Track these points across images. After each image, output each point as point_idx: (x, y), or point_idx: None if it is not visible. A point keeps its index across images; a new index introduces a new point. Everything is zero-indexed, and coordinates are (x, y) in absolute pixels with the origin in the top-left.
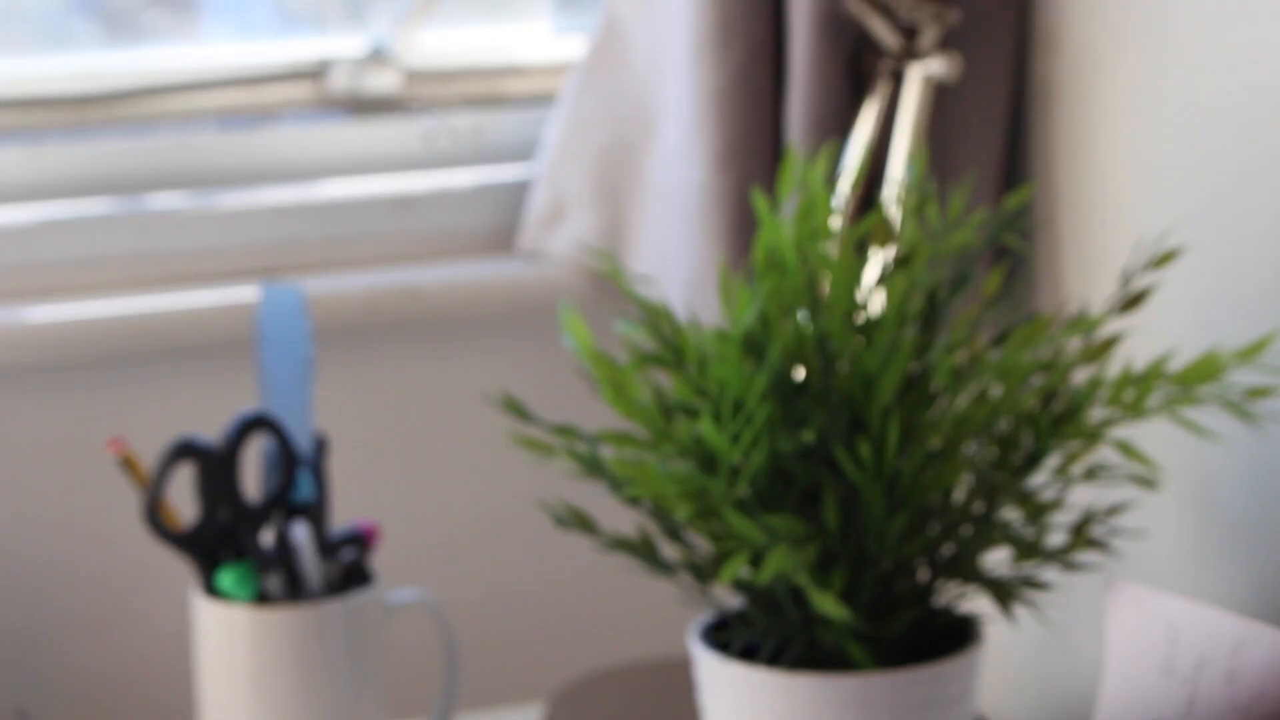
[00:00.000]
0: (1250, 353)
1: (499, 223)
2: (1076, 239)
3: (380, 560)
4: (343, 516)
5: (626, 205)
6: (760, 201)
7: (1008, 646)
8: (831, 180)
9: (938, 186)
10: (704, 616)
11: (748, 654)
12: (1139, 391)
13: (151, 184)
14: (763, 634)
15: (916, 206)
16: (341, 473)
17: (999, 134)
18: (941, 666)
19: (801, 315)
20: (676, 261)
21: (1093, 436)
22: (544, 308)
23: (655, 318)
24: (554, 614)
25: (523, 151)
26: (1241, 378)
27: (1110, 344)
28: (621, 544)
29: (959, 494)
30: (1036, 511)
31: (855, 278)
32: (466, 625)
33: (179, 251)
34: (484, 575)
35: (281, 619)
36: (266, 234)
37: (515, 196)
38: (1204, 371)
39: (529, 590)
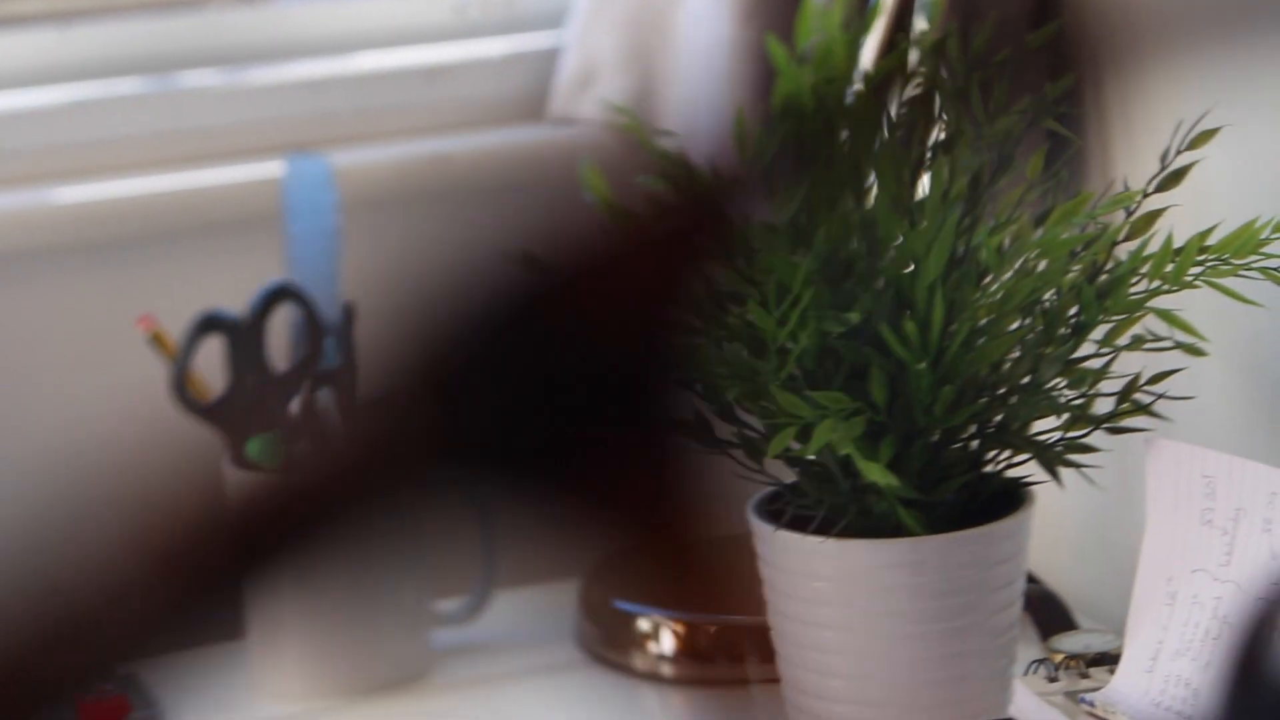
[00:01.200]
0: (1245, 245)
1: (531, 91)
2: (1126, 125)
3: None
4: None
5: (657, 67)
6: (775, 48)
7: (1060, 509)
8: (854, 27)
9: (961, 27)
10: (760, 492)
11: (803, 525)
12: (1179, 264)
13: (181, 62)
14: (815, 505)
15: (935, 45)
16: (372, 342)
17: None
18: (992, 529)
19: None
20: (706, 118)
21: (1136, 307)
22: (573, 171)
23: (674, 168)
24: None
25: (554, 20)
26: None
27: (1153, 218)
28: (677, 424)
29: (1006, 366)
30: (1082, 379)
31: (900, 163)
32: (512, 509)
33: (210, 129)
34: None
35: None
36: (298, 109)
37: (546, 64)
38: (1242, 242)
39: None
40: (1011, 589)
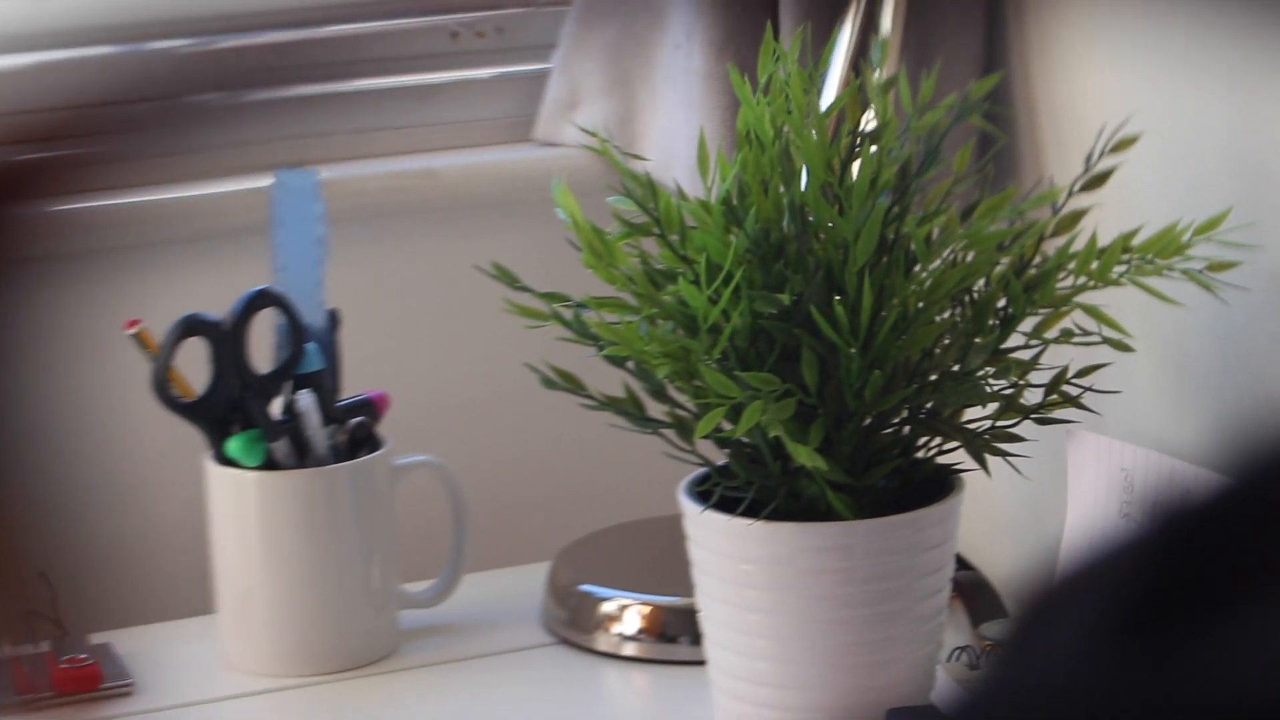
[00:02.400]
0: (1205, 228)
1: (519, 116)
2: (1055, 129)
3: (393, 433)
4: (357, 391)
5: (638, 94)
6: (736, 80)
7: (993, 496)
8: (814, 61)
9: (912, 71)
10: (692, 473)
11: (732, 507)
12: (1104, 262)
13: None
14: (745, 487)
15: (885, 86)
16: (356, 350)
17: (978, 24)
18: (920, 514)
19: (779, 186)
20: (683, 147)
21: (1062, 301)
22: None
23: (640, 188)
24: (559, 478)
25: (546, 52)
26: (1205, 251)
27: (1078, 216)
28: (609, 402)
29: (936, 354)
30: (1010, 369)
31: (829, 151)
32: (475, 490)
33: (209, 147)
34: (493, 445)
35: (288, 482)
36: (289, 127)
37: (535, 90)
38: (1165, 244)
39: (535, 456)
40: (940, 575)
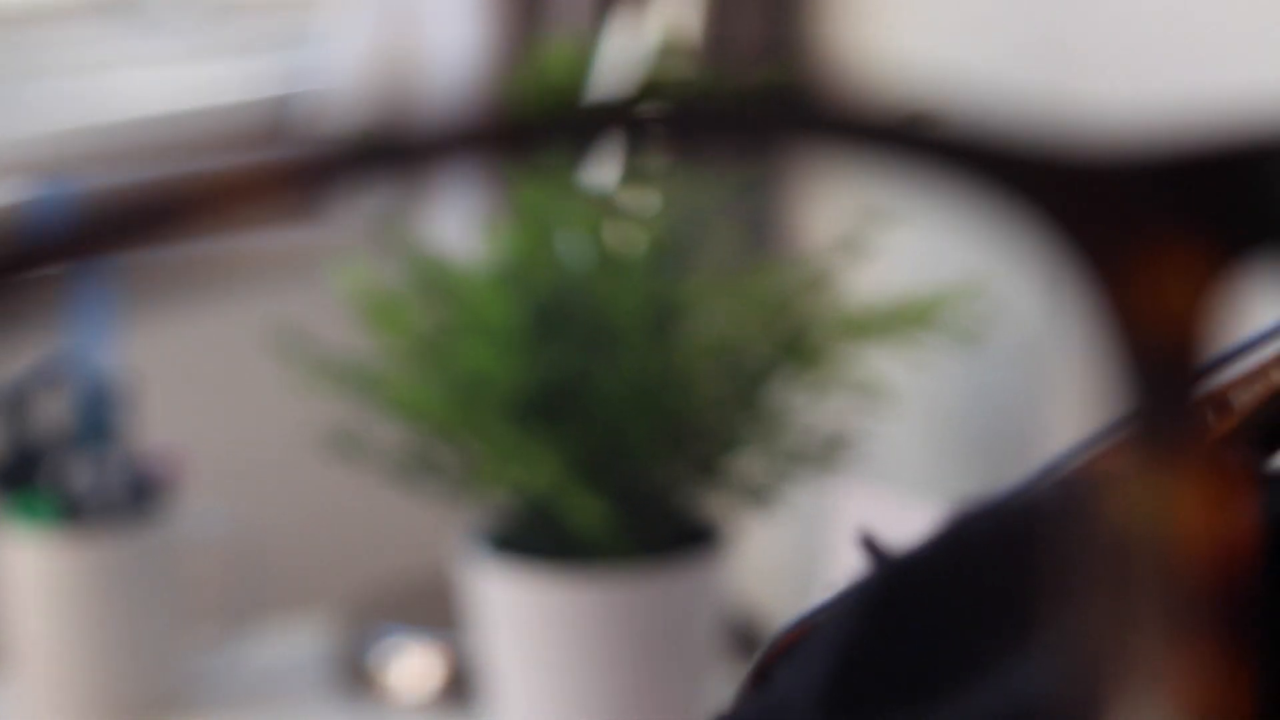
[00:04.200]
0: (949, 301)
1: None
2: (819, 202)
3: (185, 487)
4: (147, 447)
5: (407, 73)
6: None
7: (772, 544)
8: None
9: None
10: (470, 523)
11: (509, 556)
12: (863, 326)
13: None
14: (519, 536)
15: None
16: (148, 406)
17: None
18: (690, 564)
19: (558, 250)
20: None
21: (826, 359)
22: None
23: (417, 254)
24: (349, 530)
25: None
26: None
27: (829, 282)
28: (392, 459)
29: (705, 408)
30: (777, 422)
31: (599, 220)
32: (267, 545)
33: None
34: (282, 498)
35: (78, 541)
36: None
37: (287, 87)
38: (919, 311)
39: (324, 509)
40: (709, 624)
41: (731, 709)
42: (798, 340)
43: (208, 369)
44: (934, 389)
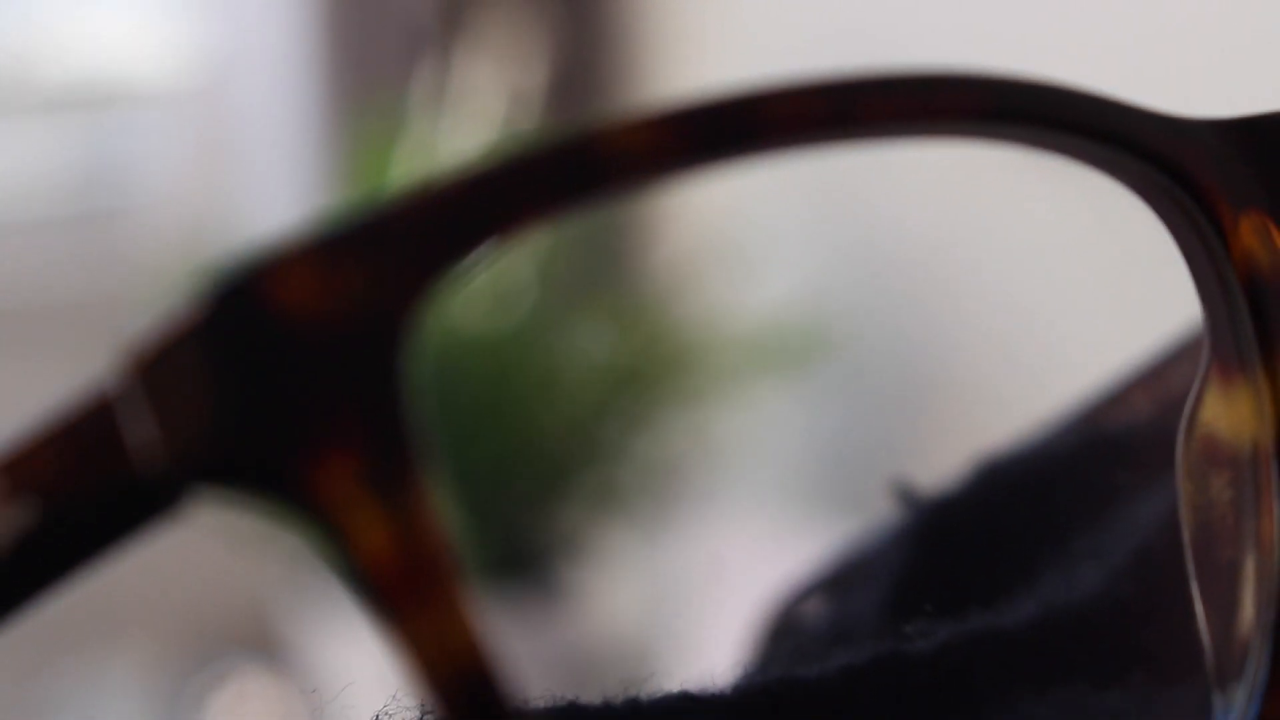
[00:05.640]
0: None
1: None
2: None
3: None
4: None
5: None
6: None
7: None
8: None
9: None
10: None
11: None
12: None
13: None
14: None
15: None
16: None
17: None
18: (532, 587)
19: None
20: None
21: (665, 401)
22: None
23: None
24: (168, 557)
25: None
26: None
27: (667, 338)
28: None
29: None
30: (622, 446)
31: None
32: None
33: None
34: None
35: None
36: None
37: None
38: (753, 356)
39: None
40: (553, 650)
41: (759, 655)
42: (645, 365)
43: None
44: (792, 412)
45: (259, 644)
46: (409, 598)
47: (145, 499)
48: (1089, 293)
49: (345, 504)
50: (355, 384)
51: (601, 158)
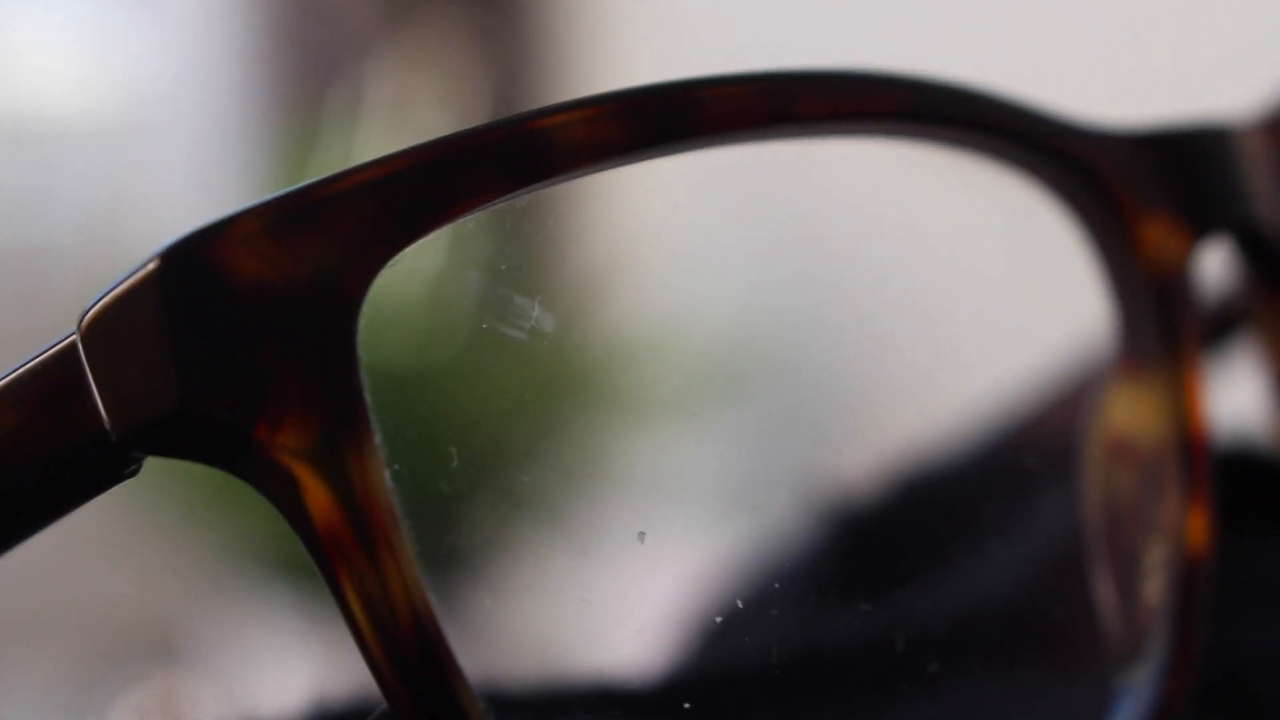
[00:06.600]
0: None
1: None
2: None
3: None
4: None
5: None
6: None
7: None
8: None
9: None
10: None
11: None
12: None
13: None
14: None
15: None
16: None
17: None
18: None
19: None
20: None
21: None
22: None
23: None
24: (76, 560)
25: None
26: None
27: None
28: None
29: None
30: (548, 450)
31: None
32: None
33: None
34: None
35: None
36: None
37: None
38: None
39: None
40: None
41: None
42: (562, 372)
43: None
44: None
45: (167, 649)
46: (358, 553)
47: (97, 461)
48: (1002, 292)
49: (296, 464)
50: (305, 349)
51: (548, 140)
